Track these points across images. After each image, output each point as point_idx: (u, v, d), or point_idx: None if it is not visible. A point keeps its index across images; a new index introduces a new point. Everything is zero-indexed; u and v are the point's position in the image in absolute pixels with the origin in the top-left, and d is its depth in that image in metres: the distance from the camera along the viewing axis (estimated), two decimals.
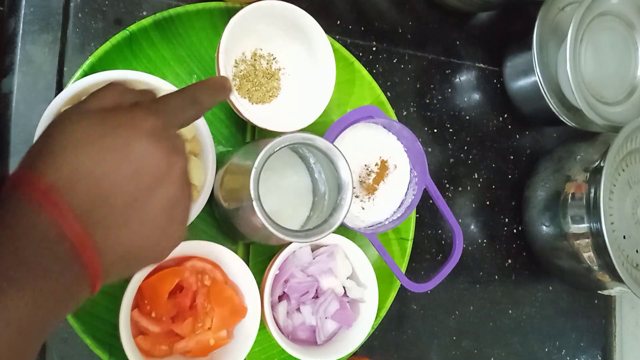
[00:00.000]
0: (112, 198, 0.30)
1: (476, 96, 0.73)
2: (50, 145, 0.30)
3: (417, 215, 0.66)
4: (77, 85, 0.47)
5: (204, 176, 0.51)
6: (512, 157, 0.75)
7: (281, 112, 0.56)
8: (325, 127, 0.55)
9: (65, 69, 0.52)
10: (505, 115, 0.75)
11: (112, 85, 0.34)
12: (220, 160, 0.51)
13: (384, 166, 0.57)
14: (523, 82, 0.71)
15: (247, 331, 0.51)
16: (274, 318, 0.53)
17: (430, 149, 0.70)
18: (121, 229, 0.30)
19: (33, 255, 0.28)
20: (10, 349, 0.27)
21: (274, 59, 0.57)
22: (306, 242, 0.51)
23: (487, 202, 0.73)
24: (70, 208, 0.29)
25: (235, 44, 0.54)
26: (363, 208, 0.57)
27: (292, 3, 0.53)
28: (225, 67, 0.51)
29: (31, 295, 0.27)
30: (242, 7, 0.51)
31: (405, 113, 0.68)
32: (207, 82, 0.37)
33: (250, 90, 0.55)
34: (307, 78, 0.57)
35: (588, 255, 0.65)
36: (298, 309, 0.55)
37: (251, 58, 0.56)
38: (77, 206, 0.29)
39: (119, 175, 0.30)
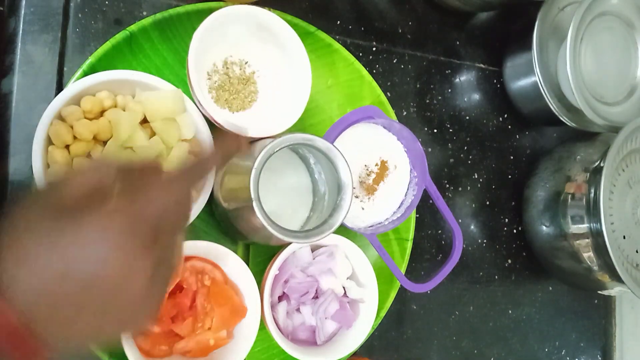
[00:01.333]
0: (58, 303, 0.28)
1: (476, 96, 0.73)
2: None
3: (417, 215, 0.66)
4: (77, 85, 0.47)
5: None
6: (512, 157, 0.75)
7: (265, 115, 0.55)
8: (325, 127, 0.55)
9: (65, 69, 0.52)
10: (505, 115, 0.75)
11: (93, 166, 0.32)
12: None
13: (384, 166, 0.57)
14: (523, 82, 0.71)
15: (247, 331, 0.51)
16: (274, 318, 0.53)
17: (430, 149, 0.70)
18: (69, 328, 0.29)
19: None
20: None
21: (246, 63, 0.55)
22: (306, 242, 0.51)
23: (487, 202, 0.73)
24: (9, 304, 0.27)
25: (205, 56, 0.52)
26: (363, 208, 0.57)
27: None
28: (199, 83, 0.49)
29: None
30: None
31: (405, 113, 0.68)
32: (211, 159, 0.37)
33: (229, 99, 0.54)
34: (282, 75, 0.55)
35: (588, 255, 0.65)
36: (298, 309, 0.55)
37: (223, 67, 0.54)
38: (19, 304, 0.27)
39: (66, 284, 0.28)
